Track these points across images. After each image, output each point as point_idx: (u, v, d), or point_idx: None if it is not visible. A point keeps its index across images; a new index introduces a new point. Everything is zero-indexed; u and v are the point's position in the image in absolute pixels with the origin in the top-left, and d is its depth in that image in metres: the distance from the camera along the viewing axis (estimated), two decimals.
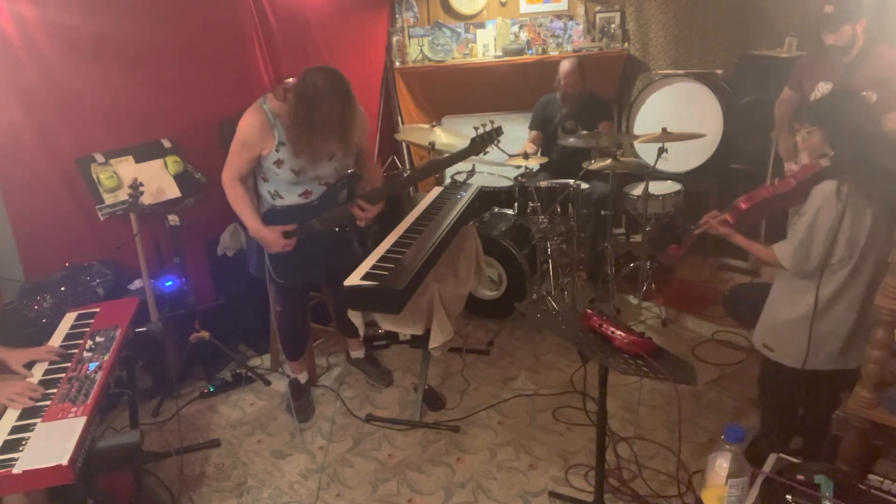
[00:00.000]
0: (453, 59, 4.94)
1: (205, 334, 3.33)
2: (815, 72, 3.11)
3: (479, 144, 2.80)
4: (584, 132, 3.68)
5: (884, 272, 2.15)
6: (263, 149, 2.67)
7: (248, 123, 2.66)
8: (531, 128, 4.36)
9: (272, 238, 2.71)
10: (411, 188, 4.81)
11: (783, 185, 2.30)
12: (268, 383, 3.41)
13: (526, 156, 3.76)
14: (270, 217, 2.80)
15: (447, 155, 2.83)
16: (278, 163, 2.69)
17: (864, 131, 2.14)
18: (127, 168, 3.27)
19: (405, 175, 2.82)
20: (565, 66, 4.04)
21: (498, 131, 2.80)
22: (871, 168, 2.11)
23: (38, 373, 2.21)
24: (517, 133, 4.77)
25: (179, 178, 3.41)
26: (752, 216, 2.39)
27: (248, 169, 2.74)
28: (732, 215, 2.35)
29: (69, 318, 2.57)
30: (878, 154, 2.12)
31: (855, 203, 2.11)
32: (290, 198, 2.78)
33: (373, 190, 2.82)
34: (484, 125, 2.79)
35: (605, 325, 2.06)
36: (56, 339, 2.42)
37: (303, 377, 3.26)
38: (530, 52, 4.86)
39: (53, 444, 1.84)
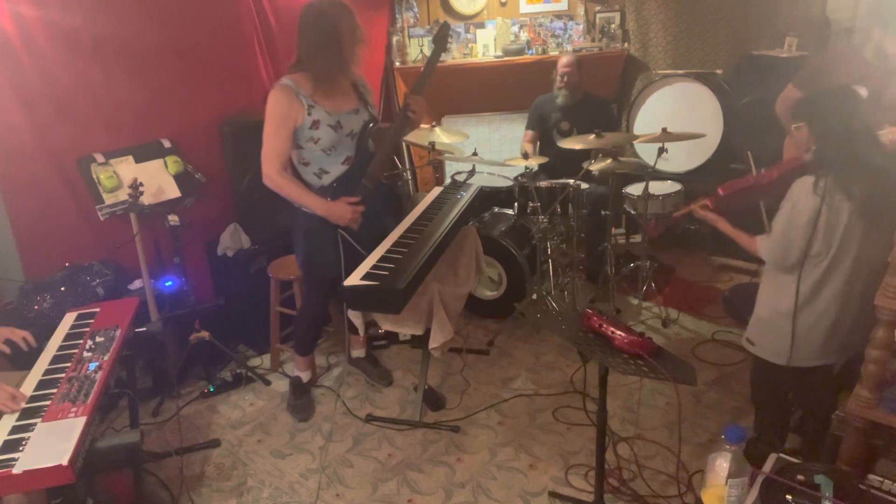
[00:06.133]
0: (453, 59, 4.93)
1: (205, 334, 3.34)
2: (843, 74, 2.83)
3: (441, 40, 2.85)
4: (592, 136, 3.62)
5: (862, 271, 2.16)
6: (297, 119, 2.65)
7: (275, 99, 2.65)
8: (527, 127, 4.36)
9: (343, 210, 2.70)
10: (411, 188, 4.82)
11: (765, 176, 2.34)
12: (268, 383, 3.41)
13: (526, 156, 3.75)
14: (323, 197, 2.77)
15: (431, 56, 2.85)
16: (315, 125, 2.66)
17: (848, 127, 2.11)
18: (127, 168, 3.27)
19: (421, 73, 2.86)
20: (564, 57, 4.04)
21: (446, 25, 2.86)
22: (852, 164, 2.09)
23: (37, 373, 2.20)
24: (517, 133, 4.78)
25: (179, 178, 3.42)
26: (733, 203, 2.44)
27: (288, 150, 2.71)
28: (711, 200, 2.44)
29: (69, 318, 2.57)
30: (864, 151, 2.08)
31: (832, 198, 2.09)
32: (335, 169, 2.76)
33: (413, 86, 2.82)
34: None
35: (605, 325, 2.06)
36: (56, 339, 2.42)
37: (306, 376, 3.26)
38: (530, 52, 4.86)
39: (53, 444, 1.84)
